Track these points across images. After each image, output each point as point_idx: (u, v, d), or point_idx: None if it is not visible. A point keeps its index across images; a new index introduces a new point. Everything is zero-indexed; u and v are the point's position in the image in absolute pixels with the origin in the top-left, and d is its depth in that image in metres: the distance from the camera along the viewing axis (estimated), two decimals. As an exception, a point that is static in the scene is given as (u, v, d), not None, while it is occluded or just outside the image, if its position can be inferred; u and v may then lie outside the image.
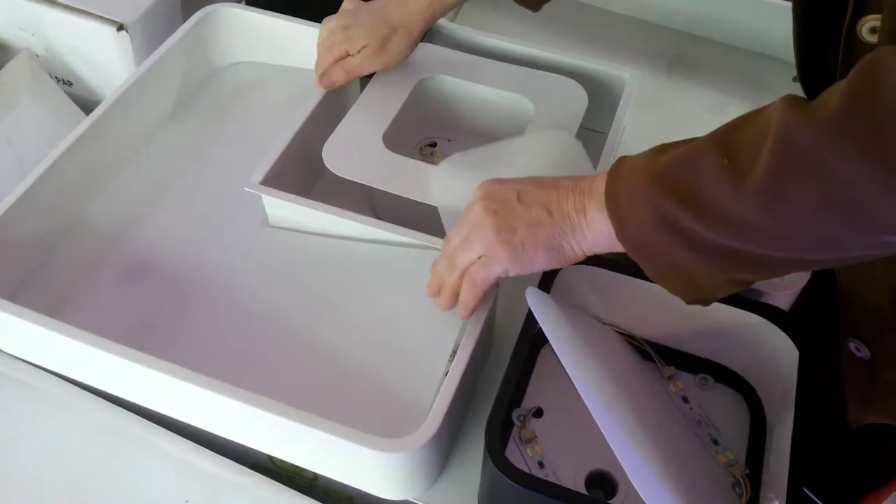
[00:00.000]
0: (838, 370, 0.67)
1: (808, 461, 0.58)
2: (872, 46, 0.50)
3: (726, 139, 0.45)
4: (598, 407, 0.51)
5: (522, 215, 0.54)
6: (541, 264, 0.56)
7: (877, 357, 0.64)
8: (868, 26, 0.51)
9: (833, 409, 0.69)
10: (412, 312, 0.71)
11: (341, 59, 0.78)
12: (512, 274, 0.57)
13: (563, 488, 0.56)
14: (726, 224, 0.44)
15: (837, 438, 0.72)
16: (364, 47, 0.77)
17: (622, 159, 0.51)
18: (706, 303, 0.50)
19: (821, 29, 0.58)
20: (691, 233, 0.46)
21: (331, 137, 0.75)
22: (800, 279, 0.67)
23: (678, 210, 0.45)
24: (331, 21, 0.79)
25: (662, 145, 0.50)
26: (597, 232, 0.52)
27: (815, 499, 0.81)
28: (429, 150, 0.84)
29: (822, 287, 0.67)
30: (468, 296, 0.60)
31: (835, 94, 0.41)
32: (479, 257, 0.57)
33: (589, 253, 0.55)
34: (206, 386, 0.59)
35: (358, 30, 0.77)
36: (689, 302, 0.50)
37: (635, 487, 0.49)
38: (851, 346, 0.65)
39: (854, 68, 0.41)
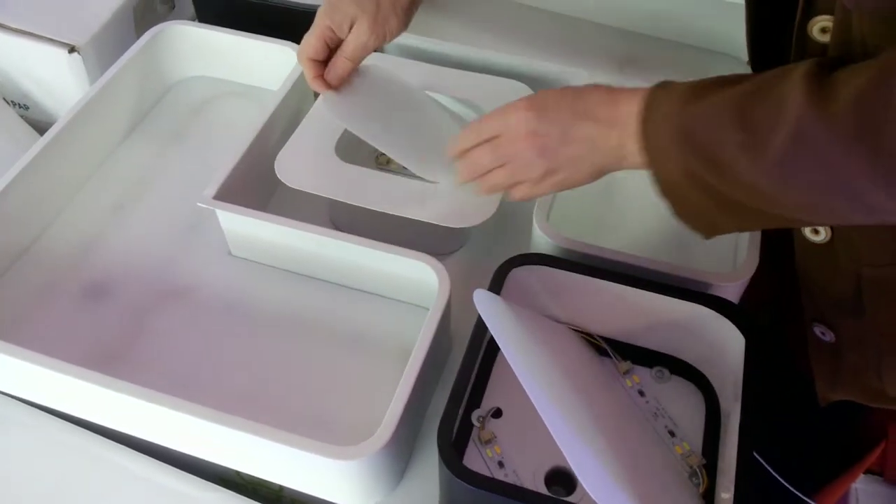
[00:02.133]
0: (805, 352, 0.69)
1: (776, 443, 0.59)
2: (824, 46, 0.52)
3: (747, 111, 0.49)
4: (546, 406, 0.52)
5: (566, 153, 0.57)
6: (584, 185, 0.60)
7: (841, 341, 0.66)
8: (819, 26, 0.52)
9: (805, 386, 0.71)
10: (369, 319, 0.72)
11: (327, 38, 0.69)
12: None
13: (518, 487, 0.56)
14: (740, 187, 0.51)
15: (810, 415, 0.73)
16: (354, 23, 0.68)
17: (656, 92, 0.54)
18: (714, 235, 0.56)
19: (773, 25, 0.60)
20: (713, 189, 0.52)
21: (283, 149, 0.76)
22: (746, 270, 0.68)
23: (703, 169, 0.51)
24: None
25: (701, 84, 0.52)
26: (635, 162, 0.56)
27: (784, 483, 0.82)
28: (384, 159, 0.85)
29: (785, 274, 0.68)
30: (512, 198, 0.63)
31: (850, 91, 0.44)
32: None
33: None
34: (165, 404, 0.59)
35: (341, 3, 0.68)
36: (706, 237, 0.56)
37: (583, 485, 0.49)
38: (817, 330, 0.66)
39: (873, 69, 0.44)
